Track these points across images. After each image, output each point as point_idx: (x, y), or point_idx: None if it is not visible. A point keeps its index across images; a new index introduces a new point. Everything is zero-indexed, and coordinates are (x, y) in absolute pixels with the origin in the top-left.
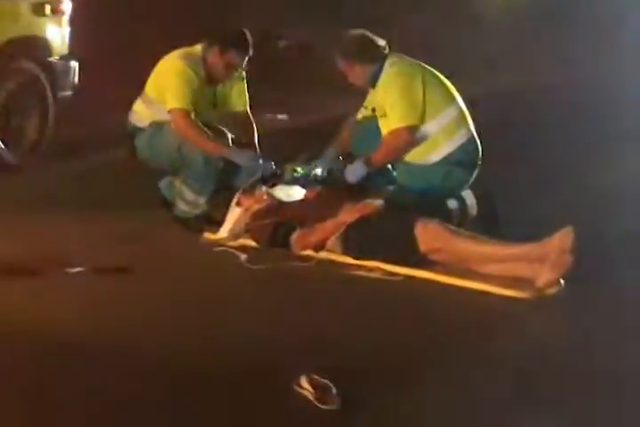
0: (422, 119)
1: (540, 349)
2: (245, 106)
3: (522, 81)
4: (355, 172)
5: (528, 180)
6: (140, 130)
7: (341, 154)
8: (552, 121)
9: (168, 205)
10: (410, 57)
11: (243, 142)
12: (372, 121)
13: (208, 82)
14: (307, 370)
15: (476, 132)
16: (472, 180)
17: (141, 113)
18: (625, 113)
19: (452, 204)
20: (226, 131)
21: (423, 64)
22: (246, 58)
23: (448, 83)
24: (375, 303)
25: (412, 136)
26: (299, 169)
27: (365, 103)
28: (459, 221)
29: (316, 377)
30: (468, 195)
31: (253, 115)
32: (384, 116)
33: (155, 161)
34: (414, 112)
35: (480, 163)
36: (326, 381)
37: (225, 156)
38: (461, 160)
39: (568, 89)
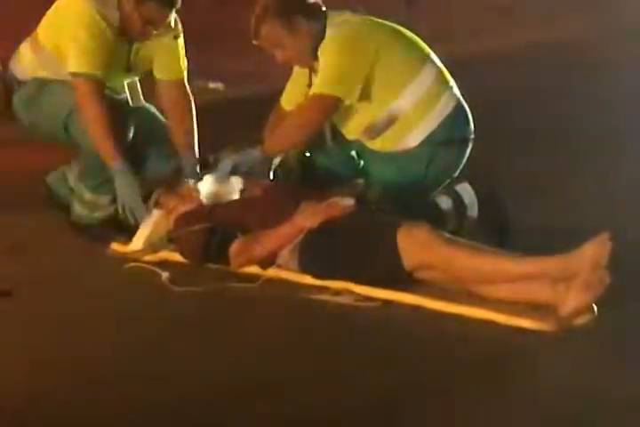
0: (352, 95)
1: (566, 397)
2: (179, 73)
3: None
4: (241, 159)
5: (548, 170)
6: (21, 84)
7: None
8: (577, 89)
9: (62, 206)
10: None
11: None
12: None
13: (122, 34)
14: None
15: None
16: (464, 160)
17: (26, 61)
18: None
19: (446, 202)
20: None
21: (380, 21)
22: (171, 12)
23: (417, 41)
24: (343, 337)
25: (329, 109)
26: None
27: (301, 87)
28: (455, 225)
29: None
30: (465, 190)
31: None
32: None
33: (38, 134)
34: (343, 81)
35: (473, 136)
36: None
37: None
38: (448, 137)
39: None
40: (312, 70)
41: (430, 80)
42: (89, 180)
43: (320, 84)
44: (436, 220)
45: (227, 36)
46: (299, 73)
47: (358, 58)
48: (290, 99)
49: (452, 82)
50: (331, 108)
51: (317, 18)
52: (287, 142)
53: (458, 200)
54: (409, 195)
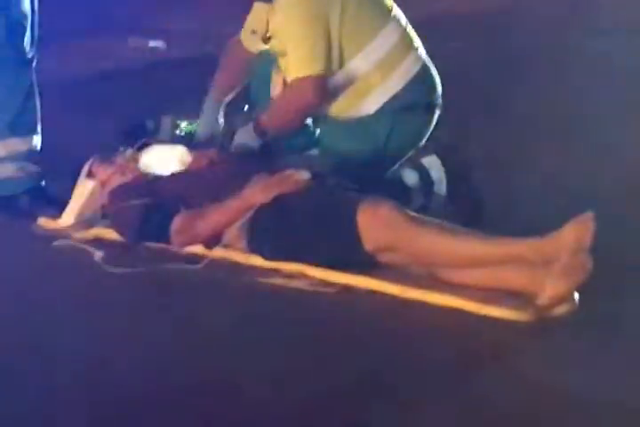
0: (338, 62)
1: (544, 394)
2: None
3: None
4: (246, 141)
5: (526, 142)
6: None
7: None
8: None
9: None
10: None
11: None
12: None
13: None
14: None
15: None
16: (431, 128)
17: None
18: None
19: (411, 176)
20: None
21: None
22: None
23: None
24: (297, 326)
25: (320, 90)
26: (182, 124)
27: (257, 26)
28: (421, 203)
29: None
30: (432, 163)
31: (112, 37)
32: (283, 54)
33: None
34: (322, 55)
35: (440, 102)
36: None
37: None
38: (413, 102)
39: None
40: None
41: (393, 39)
42: None
43: (298, 67)
44: (400, 196)
45: None
46: (258, 8)
47: (325, 15)
48: (248, 35)
49: (417, 43)
50: (321, 86)
51: None
52: (286, 124)
53: (424, 174)
54: (369, 167)
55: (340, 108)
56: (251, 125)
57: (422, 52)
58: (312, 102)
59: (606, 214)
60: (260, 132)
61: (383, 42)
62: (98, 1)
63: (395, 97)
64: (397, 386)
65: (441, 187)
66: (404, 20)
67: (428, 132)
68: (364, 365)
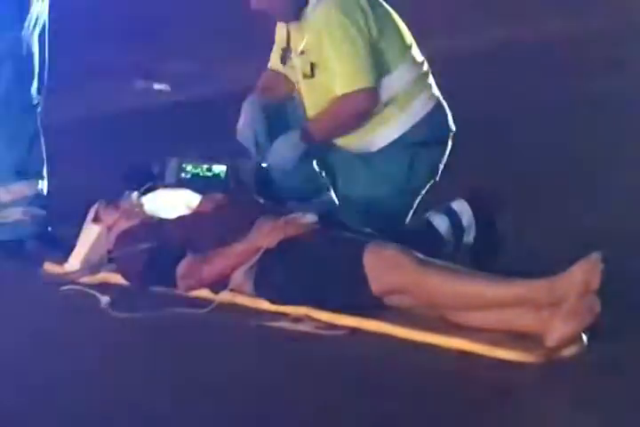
0: (377, 79)
1: None
2: None
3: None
4: (284, 151)
5: (544, 183)
6: None
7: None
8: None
9: None
10: None
11: None
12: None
13: None
14: None
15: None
16: (444, 162)
17: None
18: None
19: (442, 223)
20: None
21: None
22: None
23: (401, 23)
24: (304, 370)
25: (373, 102)
26: (188, 167)
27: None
28: (450, 251)
29: None
30: (463, 208)
31: (117, 80)
32: (323, 70)
33: None
34: (371, 68)
35: (452, 135)
36: None
37: None
38: (428, 137)
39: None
40: (289, 30)
41: (411, 76)
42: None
43: (352, 80)
44: (431, 244)
45: (173, 35)
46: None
47: (365, 31)
48: (276, 62)
49: (432, 81)
50: (374, 99)
51: None
52: (333, 131)
53: (456, 221)
54: (392, 207)
55: (351, 139)
56: (294, 133)
57: (436, 90)
58: (365, 114)
59: (615, 256)
60: (307, 138)
61: (407, 69)
62: (103, 45)
63: (411, 130)
64: None
65: (470, 233)
66: (420, 57)
67: (441, 165)
68: (372, 408)
